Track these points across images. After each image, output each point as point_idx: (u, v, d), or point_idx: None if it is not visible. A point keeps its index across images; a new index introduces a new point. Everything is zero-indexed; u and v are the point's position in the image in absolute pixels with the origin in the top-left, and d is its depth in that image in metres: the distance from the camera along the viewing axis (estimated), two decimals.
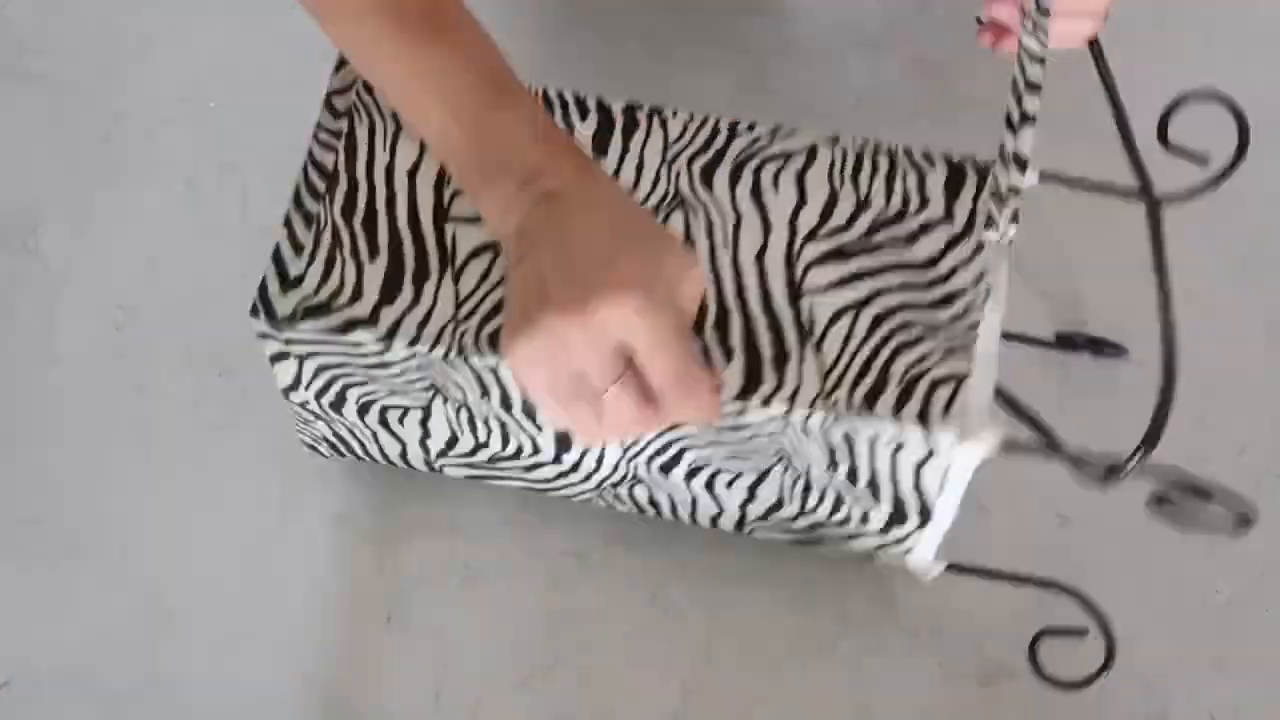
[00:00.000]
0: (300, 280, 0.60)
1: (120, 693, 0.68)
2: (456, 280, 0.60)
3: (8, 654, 0.68)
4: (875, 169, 0.62)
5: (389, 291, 0.59)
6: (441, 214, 0.61)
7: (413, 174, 0.62)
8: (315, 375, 0.62)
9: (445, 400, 0.62)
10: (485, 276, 0.60)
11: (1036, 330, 0.75)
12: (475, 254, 0.60)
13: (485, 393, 0.60)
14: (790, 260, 0.60)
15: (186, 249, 0.79)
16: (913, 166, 0.62)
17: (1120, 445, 0.52)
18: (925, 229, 0.61)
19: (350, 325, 0.58)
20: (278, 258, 0.60)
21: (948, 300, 0.59)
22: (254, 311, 0.59)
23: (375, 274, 0.60)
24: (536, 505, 0.70)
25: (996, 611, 0.68)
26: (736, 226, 0.61)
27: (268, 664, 0.68)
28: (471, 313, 0.59)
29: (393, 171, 0.62)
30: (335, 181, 0.62)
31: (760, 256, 0.60)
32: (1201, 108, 0.60)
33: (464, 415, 0.63)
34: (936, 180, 0.62)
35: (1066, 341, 0.75)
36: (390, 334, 0.58)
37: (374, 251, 0.60)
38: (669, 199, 0.62)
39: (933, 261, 0.60)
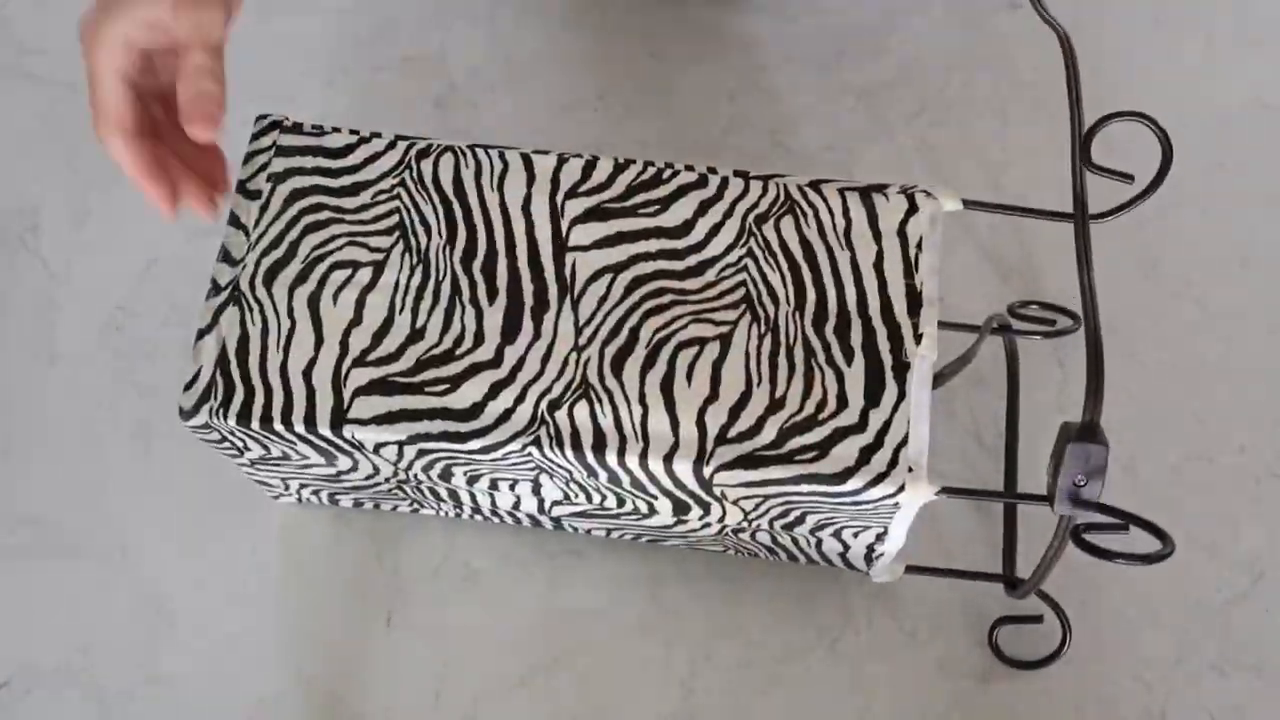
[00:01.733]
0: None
1: (120, 693, 0.68)
2: (576, 307, 0.59)
3: (8, 654, 0.68)
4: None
5: (510, 330, 0.59)
6: (562, 247, 0.61)
7: (526, 210, 0.61)
8: (418, 456, 0.61)
9: (552, 476, 0.61)
10: (604, 299, 0.59)
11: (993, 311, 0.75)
12: (593, 279, 0.60)
13: (593, 473, 0.60)
14: (555, 214, 0.61)
15: (186, 249, 0.79)
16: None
17: (1072, 418, 0.52)
18: (681, 191, 0.62)
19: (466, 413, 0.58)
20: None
21: (700, 269, 0.60)
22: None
23: (495, 316, 0.59)
24: None
25: (996, 611, 0.68)
26: (503, 175, 0.62)
27: (268, 664, 0.68)
28: (591, 339, 0.59)
29: (507, 210, 0.61)
30: (455, 229, 0.61)
31: (526, 207, 0.61)
32: (1129, 126, 0.60)
33: (573, 485, 0.62)
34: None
35: (1019, 315, 0.74)
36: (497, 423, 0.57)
37: (493, 294, 0.60)
38: None
39: (687, 227, 0.61)
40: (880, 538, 0.61)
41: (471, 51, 0.85)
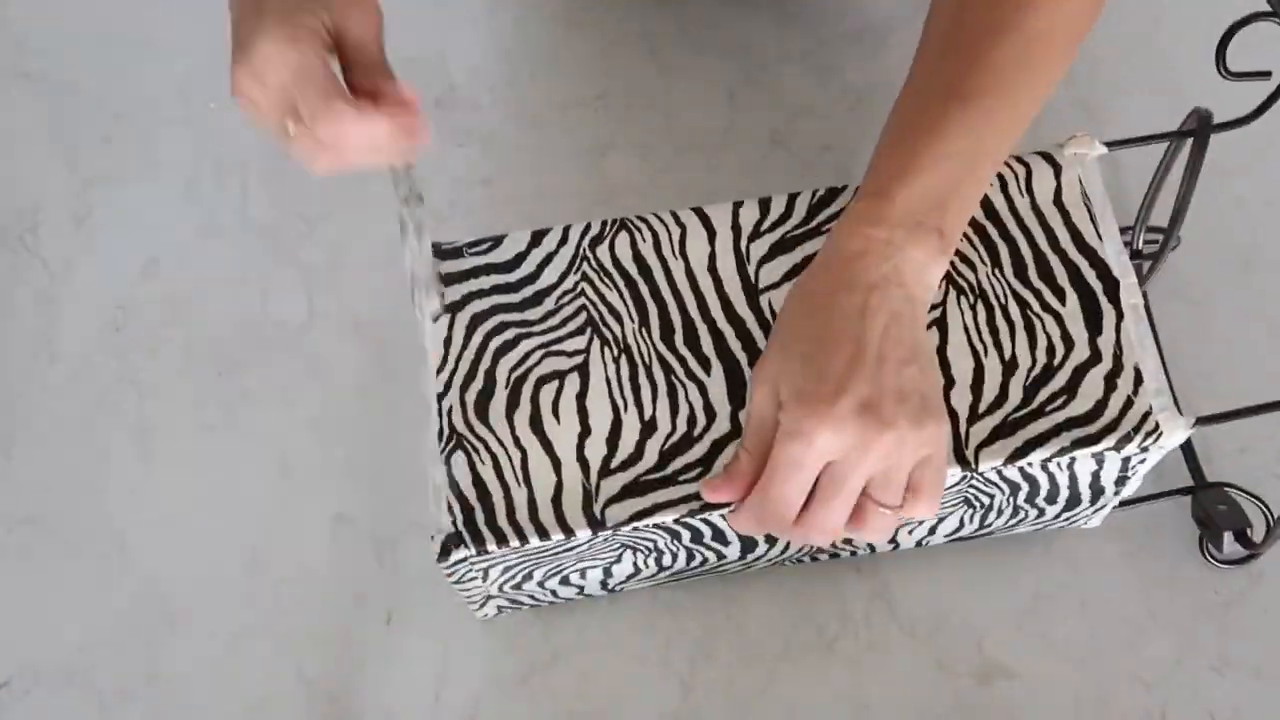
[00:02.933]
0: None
1: (120, 693, 0.68)
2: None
3: (8, 654, 0.68)
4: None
5: (736, 393, 0.58)
6: (753, 291, 0.60)
7: (712, 268, 0.61)
8: (502, 574, 0.61)
9: (635, 551, 0.61)
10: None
11: None
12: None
13: (677, 536, 0.60)
14: (741, 263, 0.60)
15: (186, 249, 0.79)
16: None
17: None
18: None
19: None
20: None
21: None
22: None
23: (716, 384, 0.58)
24: None
25: (996, 611, 0.68)
26: (683, 239, 0.61)
27: (268, 664, 0.68)
28: None
29: (693, 274, 0.61)
30: (645, 309, 0.60)
31: (712, 265, 0.61)
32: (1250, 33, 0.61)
33: (650, 558, 0.62)
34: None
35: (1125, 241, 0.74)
36: None
37: (705, 364, 0.59)
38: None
39: None
40: (1120, 484, 0.61)
41: (471, 51, 0.85)
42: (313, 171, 0.53)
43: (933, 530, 0.65)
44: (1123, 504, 0.66)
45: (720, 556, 0.64)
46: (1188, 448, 0.70)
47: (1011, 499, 0.62)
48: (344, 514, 0.71)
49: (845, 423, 0.50)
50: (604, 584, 0.65)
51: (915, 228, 0.53)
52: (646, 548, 0.61)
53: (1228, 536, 0.67)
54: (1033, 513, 0.64)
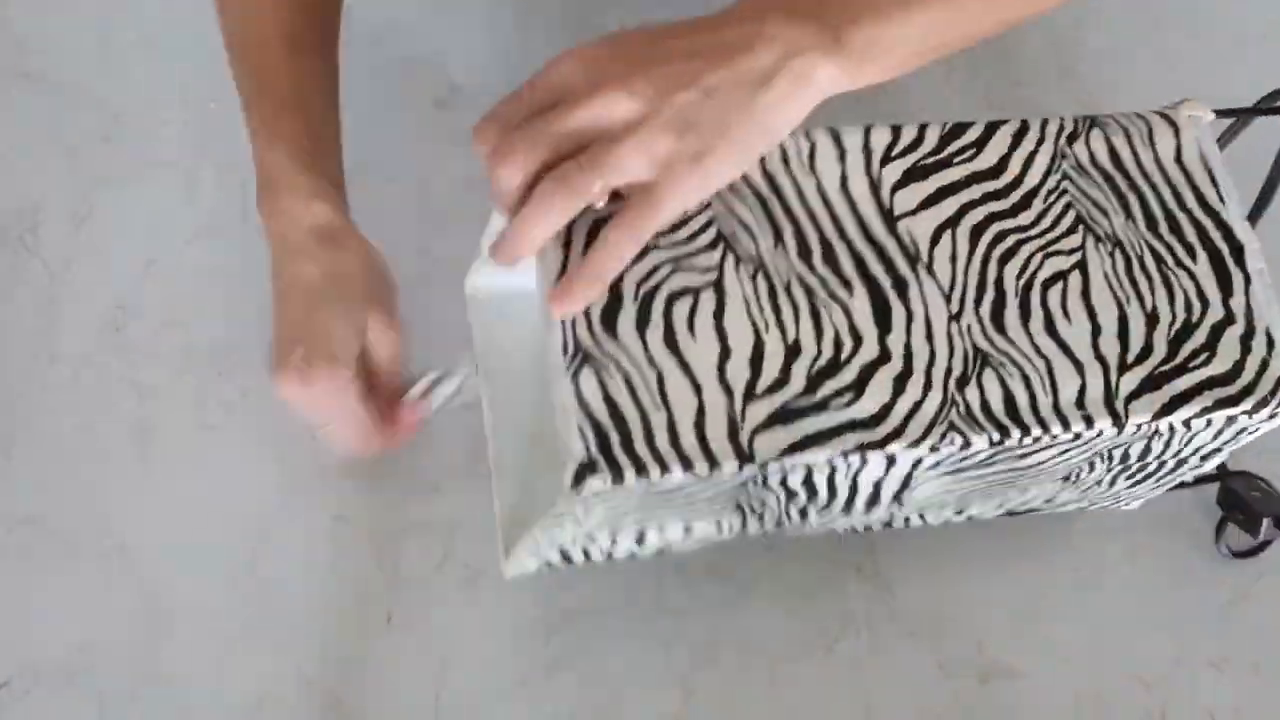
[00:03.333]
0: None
1: (120, 693, 0.68)
2: (932, 273, 0.56)
3: (8, 654, 0.68)
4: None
5: (882, 318, 0.55)
6: (890, 217, 0.57)
7: (845, 189, 0.58)
8: (605, 513, 0.57)
9: (740, 510, 0.59)
10: (954, 258, 0.57)
11: None
12: (935, 240, 0.57)
13: (792, 494, 0.57)
14: (874, 185, 0.58)
15: (186, 249, 0.79)
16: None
17: None
18: (990, 130, 0.60)
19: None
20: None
21: (1026, 202, 0.58)
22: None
23: (861, 307, 0.55)
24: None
25: (997, 611, 0.68)
26: (812, 155, 0.58)
27: (268, 664, 0.68)
28: (962, 303, 0.56)
29: (825, 193, 0.58)
30: (779, 227, 0.56)
31: (844, 186, 0.58)
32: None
33: (743, 519, 0.60)
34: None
35: None
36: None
37: (848, 285, 0.56)
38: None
39: (1003, 164, 0.59)
40: (1205, 457, 0.61)
41: (471, 51, 0.85)
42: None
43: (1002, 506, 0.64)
44: (1177, 486, 0.66)
45: (804, 517, 0.61)
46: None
47: (1108, 470, 0.61)
48: (344, 514, 0.71)
49: (592, 62, 0.51)
50: (688, 534, 0.62)
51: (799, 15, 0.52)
52: (755, 506, 0.58)
53: (1266, 523, 0.68)
54: (1109, 488, 0.63)
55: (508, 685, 0.67)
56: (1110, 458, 0.59)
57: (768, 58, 0.51)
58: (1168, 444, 0.59)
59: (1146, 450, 0.59)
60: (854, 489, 0.58)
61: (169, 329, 0.77)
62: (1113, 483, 0.63)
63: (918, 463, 0.55)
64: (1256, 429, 0.58)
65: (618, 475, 0.51)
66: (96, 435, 0.74)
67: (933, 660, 0.67)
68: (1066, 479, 0.62)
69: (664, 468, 0.51)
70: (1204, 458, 0.61)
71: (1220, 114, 0.62)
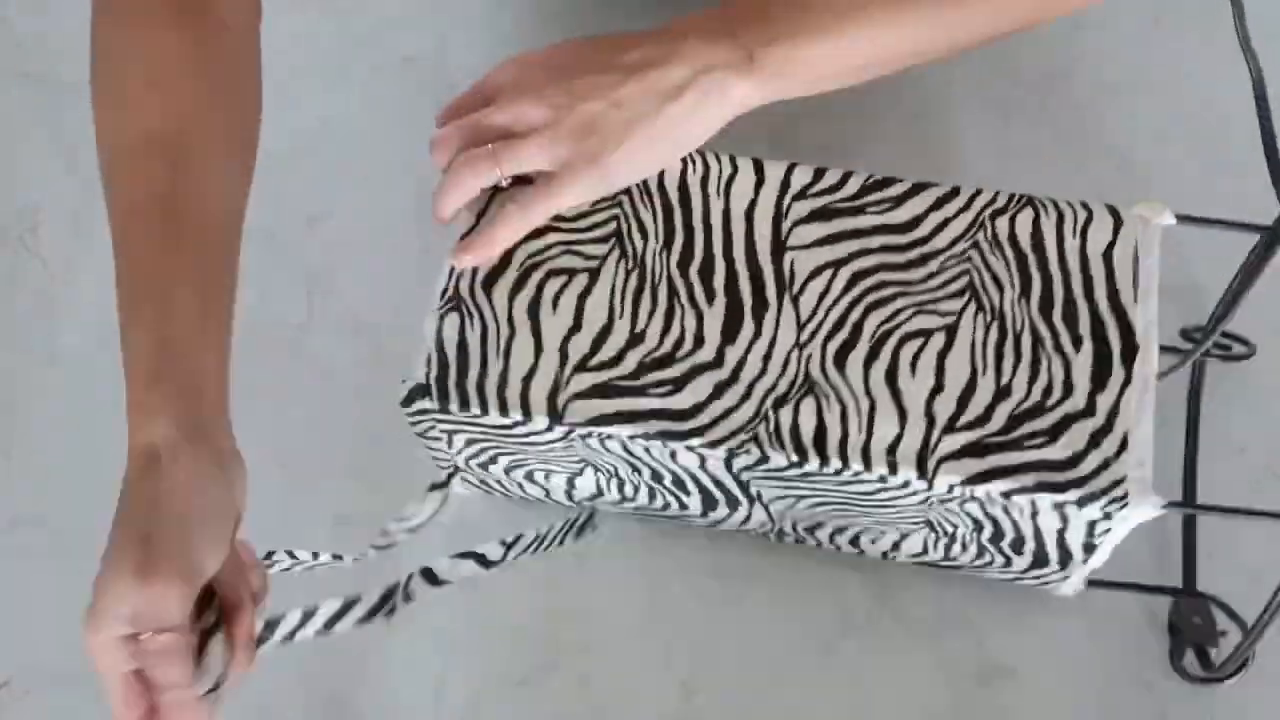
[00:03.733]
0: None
1: None
2: (796, 303, 0.59)
3: (8, 654, 0.68)
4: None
5: (730, 330, 0.59)
6: (780, 248, 0.61)
7: (749, 214, 0.62)
8: (465, 445, 0.63)
9: (596, 470, 0.62)
10: (824, 294, 0.60)
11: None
12: (814, 275, 0.60)
13: (636, 469, 0.61)
14: (778, 216, 0.61)
15: None
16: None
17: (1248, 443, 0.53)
18: (917, 189, 0.62)
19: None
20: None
21: (922, 260, 0.60)
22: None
23: (715, 317, 0.59)
24: (536, 506, 0.70)
25: (997, 611, 0.68)
26: (731, 179, 0.62)
27: (268, 664, 0.68)
28: (813, 335, 0.59)
29: (730, 214, 0.62)
30: (672, 234, 0.61)
31: (750, 211, 0.62)
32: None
33: (613, 481, 0.63)
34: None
35: (1189, 338, 0.73)
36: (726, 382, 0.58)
37: (711, 296, 0.60)
38: None
39: (915, 221, 0.61)
40: (1088, 550, 0.60)
41: (471, 51, 0.85)
42: None
43: (896, 546, 0.65)
44: (1094, 583, 0.65)
45: (682, 506, 0.64)
46: (1189, 548, 0.69)
47: (975, 535, 0.61)
48: (344, 514, 0.71)
49: (525, 69, 0.59)
50: (570, 495, 0.67)
51: (717, 34, 0.56)
52: (607, 470, 0.62)
53: (1189, 651, 0.66)
54: (999, 559, 0.64)
55: (508, 685, 0.67)
56: (965, 519, 0.60)
57: (679, 74, 0.55)
58: (1011, 519, 0.59)
59: (997, 524, 0.60)
60: (680, 477, 0.61)
61: None
62: (989, 552, 0.63)
63: (730, 463, 0.58)
64: (1108, 529, 0.58)
65: (444, 403, 0.58)
66: (96, 435, 0.74)
67: (933, 660, 0.67)
68: (934, 530, 0.62)
69: (484, 408, 0.58)
70: (1086, 549, 0.60)
71: (1185, 220, 0.62)
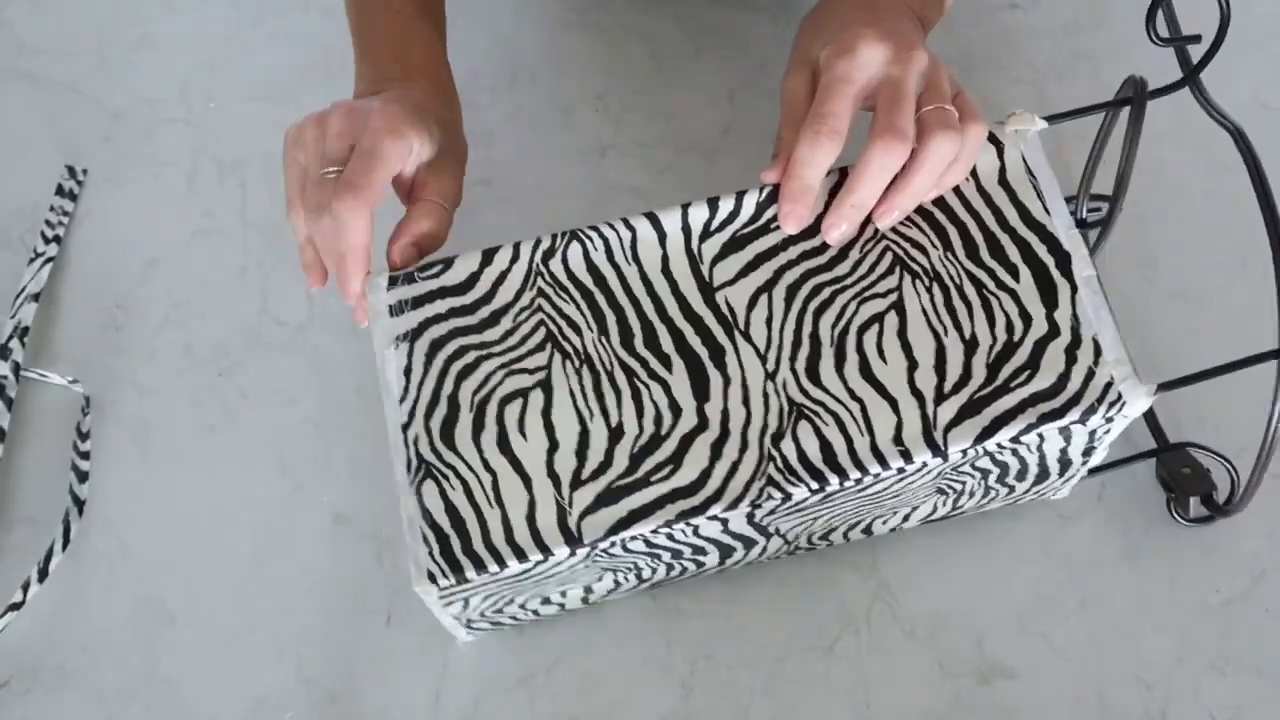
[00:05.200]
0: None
1: (120, 693, 0.68)
2: (749, 338, 0.59)
3: (8, 654, 0.68)
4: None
5: (700, 388, 0.58)
6: (709, 290, 0.60)
7: (666, 270, 0.61)
8: (483, 601, 0.61)
9: (615, 572, 0.62)
10: (769, 320, 0.59)
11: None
12: (752, 305, 0.60)
13: (656, 557, 0.61)
14: (694, 263, 0.61)
15: (187, 249, 0.79)
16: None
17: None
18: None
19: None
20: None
21: (843, 253, 0.60)
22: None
23: (680, 381, 0.58)
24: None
25: (996, 611, 0.68)
26: (633, 244, 0.61)
27: (268, 664, 0.68)
28: (778, 361, 0.58)
29: (648, 277, 0.61)
30: (603, 318, 0.60)
31: (665, 267, 0.61)
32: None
33: (630, 574, 0.63)
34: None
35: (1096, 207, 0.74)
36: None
37: (667, 363, 0.59)
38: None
39: (819, 221, 0.61)
40: (1086, 455, 0.61)
41: (471, 51, 0.85)
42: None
43: (906, 518, 0.65)
44: (1091, 471, 0.66)
45: (699, 565, 0.64)
46: (1149, 412, 0.71)
47: (984, 482, 0.62)
48: (344, 514, 0.71)
49: (879, 39, 0.59)
50: (584, 600, 0.66)
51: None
52: (626, 568, 0.61)
53: (1193, 501, 0.68)
54: (1003, 491, 0.64)
55: (508, 686, 0.67)
56: (974, 472, 0.60)
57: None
58: (1019, 456, 0.59)
59: (1004, 465, 0.60)
60: (700, 546, 0.60)
61: (169, 329, 0.77)
62: (994, 490, 0.64)
63: (753, 515, 0.58)
64: (1108, 430, 0.58)
65: (460, 575, 0.56)
66: (96, 435, 0.74)
67: (933, 660, 0.67)
68: (943, 493, 0.62)
69: (500, 562, 0.56)
70: (1085, 454, 0.61)
71: (1052, 120, 0.62)
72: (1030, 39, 0.82)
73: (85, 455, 0.72)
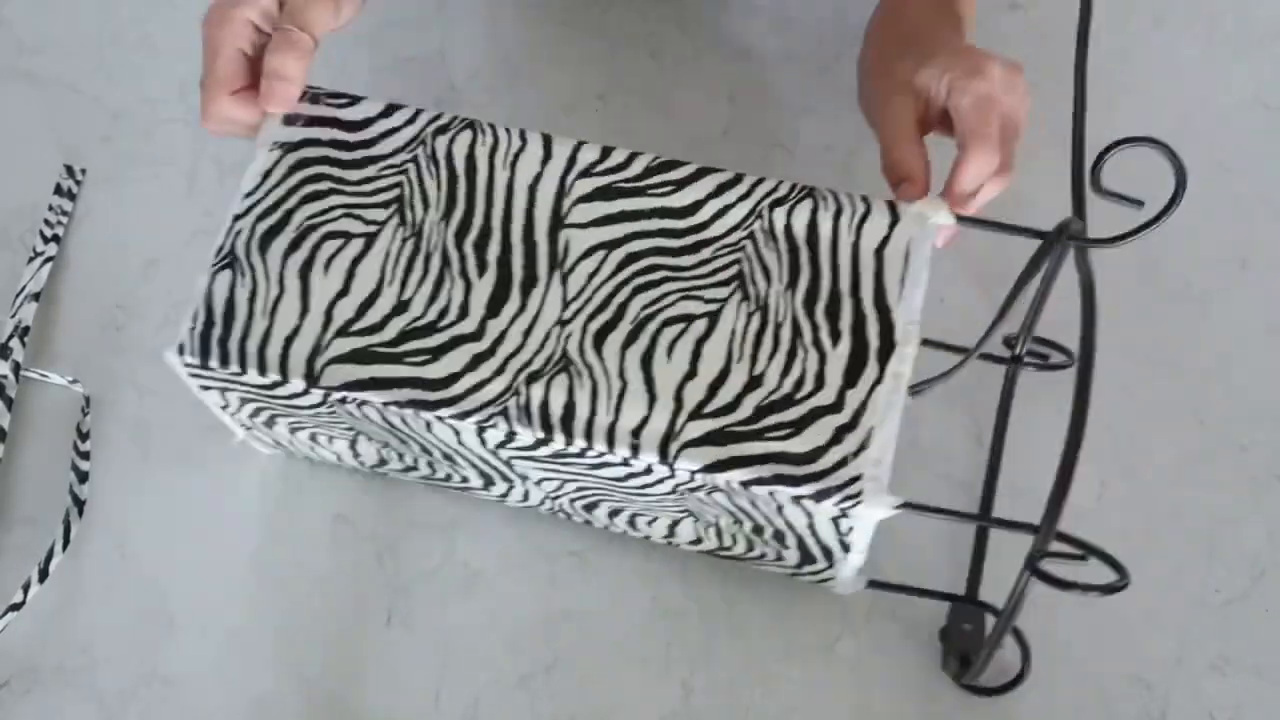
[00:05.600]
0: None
1: (120, 693, 0.68)
2: (565, 281, 0.59)
3: (8, 654, 0.68)
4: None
5: (496, 304, 0.59)
6: (558, 223, 0.61)
7: (533, 187, 0.62)
8: (241, 405, 0.64)
9: (369, 438, 0.63)
10: (594, 274, 0.60)
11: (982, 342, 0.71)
12: (587, 255, 0.60)
13: (403, 440, 0.62)
14: (560, 193, 0.61)
15: (187, 249, 0.79)
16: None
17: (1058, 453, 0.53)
18: (701, 174, 0.62)
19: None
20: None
21: (696, 247, 0.60)
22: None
23: (482, 290, 0.59)
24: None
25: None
26: (519, 152, 0.62)
27: (268, 664, 0.68)
28: (577, 313, 0.59)
29: (513, 188, 0.62)
30: (453, 204, 0.61)
31: (534, 185, 0.62)
32: (1140, 152, 0.59)
33: (389, 451, 0.64)
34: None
35: (1009, 344, 0.73)
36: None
37: (483, 268, 0.60)
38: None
39: (695, 207, 0.61)
40: (844, 547, 0.60)
41: (471, 51, 0.85)
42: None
43: (672, 531, 0.65)
44: (875, 584, 0.65)
45: (464, 479, 0.65)
46: (978, 555, 0.68)
47: (740, 529, 0.61)
48: (344, 514, 0.71)
49: (1002, 64, 0.62)
50: (359, 461, 0.67)
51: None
52: (380, 439, 0.62)
53: (950, 656, 0.66)
54: (770, 552, 0.63)
55: (508, 685, 0.67)
56: (717, 508, 0.60)
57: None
58: (759, 509, 0.58)
59: (745, 513, 0.59)
60: (447, 452, 0.61)
61: (169, 329, 0.77)
62: (757, 544, 0.63)
63: (483, 438, 0.58)
64: (850, 526, 0.57)
65: (204, 359, 0.59)
66: (96, 435, 0.74)
67: (933, 660, 0.67)
68: (695, 518, 0.62)
69: (243, 366, 0.59)
70: (844, 547, 0.60)
71: (962, 220, 0.61)
72: (1031, 40, 0.82)
73: (85, 455, 0.72)
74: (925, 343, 0.61)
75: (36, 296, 0.76)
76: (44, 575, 0.68)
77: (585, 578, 0.69)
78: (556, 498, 0.65)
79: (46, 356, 0.76)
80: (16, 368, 0.74)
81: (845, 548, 0.60)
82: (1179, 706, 0.66)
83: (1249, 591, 0.68)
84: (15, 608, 0.68)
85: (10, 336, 0.75)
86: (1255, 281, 0.76)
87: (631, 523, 0.66)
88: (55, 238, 0.78)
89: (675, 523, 0.64)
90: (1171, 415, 0.73)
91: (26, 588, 0.68)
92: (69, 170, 0.81)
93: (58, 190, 0.80)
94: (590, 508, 0.65)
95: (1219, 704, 0.66)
